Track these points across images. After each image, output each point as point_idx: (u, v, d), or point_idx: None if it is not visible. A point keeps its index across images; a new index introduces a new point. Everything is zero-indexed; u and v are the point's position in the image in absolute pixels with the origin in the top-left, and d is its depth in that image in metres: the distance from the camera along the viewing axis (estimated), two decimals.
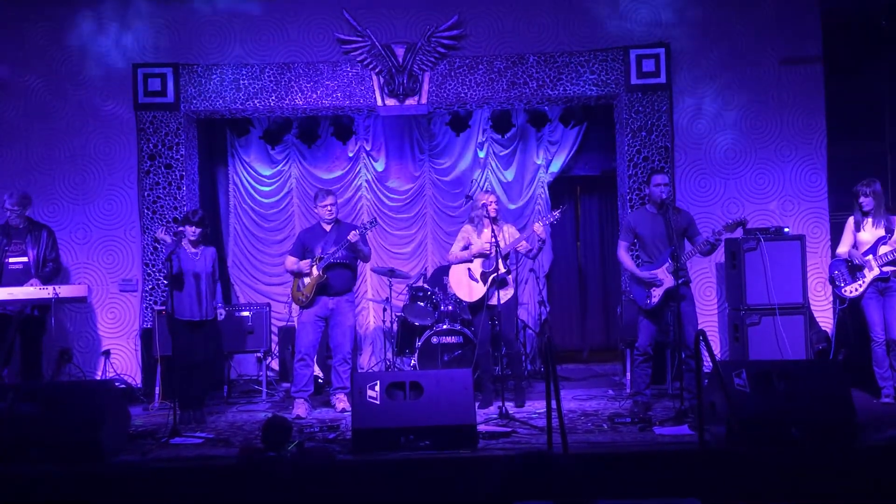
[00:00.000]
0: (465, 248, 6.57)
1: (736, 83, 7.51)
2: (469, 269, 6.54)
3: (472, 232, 6.59)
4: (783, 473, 4.43)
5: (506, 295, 6.40)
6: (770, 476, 4.45)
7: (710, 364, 4.86)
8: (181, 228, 6.33)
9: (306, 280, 6.44)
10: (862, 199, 6.28)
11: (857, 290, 6.25)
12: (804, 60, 7.43)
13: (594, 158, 8.99)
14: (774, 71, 7.49)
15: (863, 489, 4.34)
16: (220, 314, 6.52)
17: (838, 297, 6.47)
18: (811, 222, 7.47)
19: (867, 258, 6.21)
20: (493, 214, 6.41)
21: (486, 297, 6.41)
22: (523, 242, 6.32)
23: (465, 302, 6.68)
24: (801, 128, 7.51)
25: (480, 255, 6.49)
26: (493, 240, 6.19)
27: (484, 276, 6.43)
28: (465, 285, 6.56)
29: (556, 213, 6.27)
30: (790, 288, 6.63)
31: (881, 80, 7.65)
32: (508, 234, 6.45)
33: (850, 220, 6.42)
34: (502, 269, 6.26)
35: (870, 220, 6.29)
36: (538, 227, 6.23)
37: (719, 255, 7.11)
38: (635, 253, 6.43)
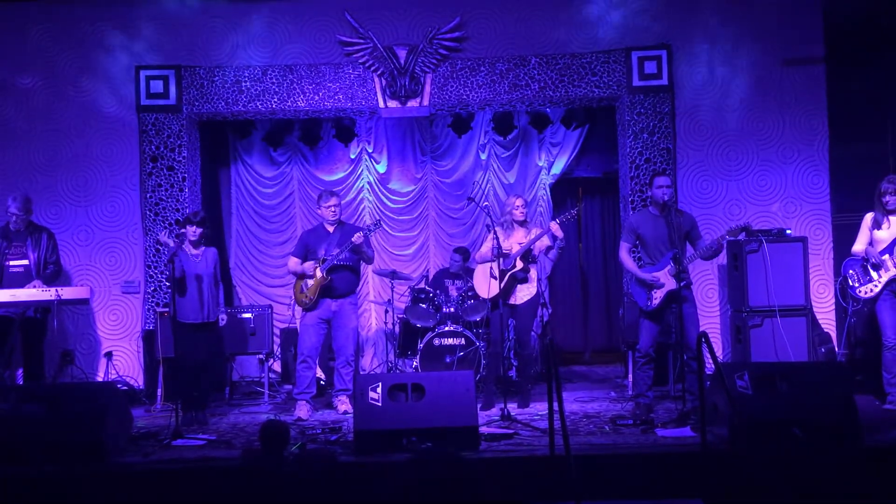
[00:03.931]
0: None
1: (737, 84, 7.51)
2: (491, 268, 6.58)
3: (501, 234, 6.61)
4: (786, 475, 4.43)
5: (525, 294, 6.43)
6: (773, 478, 4.45)
7: (713, 366, 4.85)
8: (183, 230, 6.34)
9: (310, 282, 6.43)
10: (888, 198, 6.02)
11: (871, 290, 6.05)
12: (807, 61, 7.41)
13: (596, 160, 8.99)
14: (776, 72, 7.48)
15: (865, 491, 4.34)
16: (222, 319, 6.50)
17: (852, 298, 6.31)
18: (813, 224, 7.46)
19: (884, 258, 6.01)
20: (520, 218, 6.51)
21: (506, 295, 6.42)
22: (544, 239, 6.34)
23: (486, 300, 6.68)
24: (803, 129, 7.49)
25: (484, 260, 6.51)
26: (496, 244, 6.23)
27: (501, 274, 6.44)
28: (485, 283, 6.58)
29: (573, 212, 6.31)
30: (792, 290, 6.59)
31: (884, 81, 7.61)
32: (534, 235, 6.46)
33: (868, 216, 6.19)
34: (518, 266, 6.31)
35: (892, 218, 6.04)
36: (554, 226, 6.27)
37: (721, 257, 7.09)
38: (637, 254, 6.43)
